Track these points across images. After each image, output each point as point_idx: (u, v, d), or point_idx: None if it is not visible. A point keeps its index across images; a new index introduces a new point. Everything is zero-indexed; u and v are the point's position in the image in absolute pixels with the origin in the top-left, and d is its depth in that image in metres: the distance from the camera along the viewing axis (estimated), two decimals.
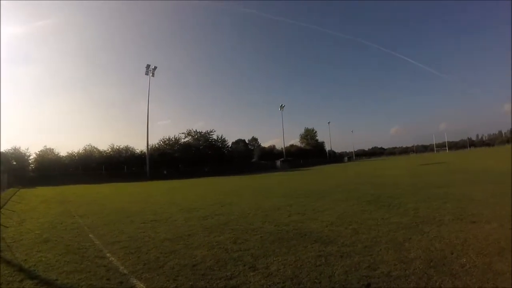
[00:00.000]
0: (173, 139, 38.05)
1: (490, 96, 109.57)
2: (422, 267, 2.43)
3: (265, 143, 63.47)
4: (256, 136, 63.03)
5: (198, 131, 41.16)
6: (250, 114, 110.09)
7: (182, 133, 40.48)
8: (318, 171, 25.40)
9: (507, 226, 3.38)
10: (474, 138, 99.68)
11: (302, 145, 65.92)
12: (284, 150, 52.46)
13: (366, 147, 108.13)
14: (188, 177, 25.55)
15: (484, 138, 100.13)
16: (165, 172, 29.03)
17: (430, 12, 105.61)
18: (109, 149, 32.27)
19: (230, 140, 48.73)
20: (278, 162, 45.77)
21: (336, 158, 72.59)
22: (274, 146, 61.57)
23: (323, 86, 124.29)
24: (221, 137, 43.39)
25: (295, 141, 69.17)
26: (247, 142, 58.57)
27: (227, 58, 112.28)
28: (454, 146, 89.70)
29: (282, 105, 50.85)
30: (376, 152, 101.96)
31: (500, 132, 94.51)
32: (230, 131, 69.48)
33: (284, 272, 2.43)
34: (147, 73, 31.76)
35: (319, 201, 6.52)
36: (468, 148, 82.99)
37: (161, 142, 37.07)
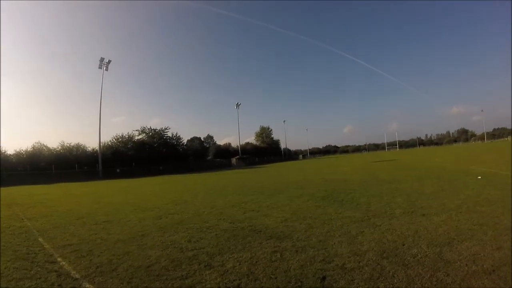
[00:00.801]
0: (127, 136, 70.23)
1: (439, 99, 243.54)
2: (375, 259, 4.52)
3: (220, 141, 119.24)
4: (211, 133, 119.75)
5: (152, 128, 76.52)
6: (206, 112, 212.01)
7: (136, 130, 74.27)
8: (273, 168, 46.55)
9: (456, 218, 6.71)
10: (423, 138, 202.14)
11: (258, 143, 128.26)
12: (239, 148, 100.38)
13: (320, 145, 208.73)
14: (142, 176, 46.63)
15: (432, 138, 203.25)
16: (118, 170, 53.89)
17: (384, 15, 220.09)
18: (59, 147, 57.91)
19: (185, 137, 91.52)
20: (234, 160, 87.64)
21: (291, 156, 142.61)
22: (229, 144, 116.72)
23: (278, 85, 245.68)
24: (176, 135, 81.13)
25: (251, 139, 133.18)
26: (202, 139, 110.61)
27: (184, 55, 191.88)
28: (405, 145, 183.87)
29: (238, 103, 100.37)
30: (330, 150, 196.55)
31: (448, 132, 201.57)
32: (185, 128, 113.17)
33: (240, 269, 4.45)
34: (100, 67, 60.26)
35: (274, 198, 11.81)
36: (418, 147, 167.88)
37: (114, 140, 68.31)
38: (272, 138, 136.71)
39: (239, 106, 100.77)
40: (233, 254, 5.13)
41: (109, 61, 60.92)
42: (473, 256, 4.46)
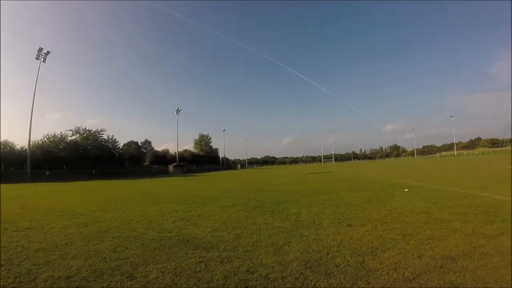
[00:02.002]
0: (59, 136, 70.76)
1: (374, 116, 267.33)
2: (299, 268, 4.69)
3: (158, 147, 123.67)
4: (149, 138, 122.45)
5: (87, 129, 77.68)
6: (145, 116, 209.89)
7: (70, 130, 75.39)
8: (210, 177, 49.12)
9: (380, 228, 7.16)
10: (358, 152, 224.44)
11: (196, 151, 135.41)
12: (177, 155, 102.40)
13: (259, 155, 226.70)
14: (73, 180, 47.37)
15: (366, 152, 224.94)
16: (47, 173, 54.99)
17: (329, 36, 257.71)
18: None
19: (121, 141, 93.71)
20: (171, 167, 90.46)
21: (229, 165, 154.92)
22: (167, 150, 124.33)
23: (220, 93, 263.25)
24: (112, 138, 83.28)
25: (190, 146, 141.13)
26: (139, 144, 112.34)
27: (127, 56, 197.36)
28: (340, 158, 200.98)
29: (178, 109, 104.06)
30: (268, 161, 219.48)
31: (381, 147, 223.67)
32: (123, 131, 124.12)
33: (163, 280, 4.52)
34: (37, 58, 59.26)
35: (206, 207, 12.15)
36: (352, 161, 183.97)
37: (46, 139, 68.61)
38: (211, 146, 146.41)
39: (179, 112, 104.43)
40: (158, 265, 5.16)
41: (48, 52, 59.66)
42: (394, 264, 4.72)
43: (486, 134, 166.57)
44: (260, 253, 5.56)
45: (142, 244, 6.63)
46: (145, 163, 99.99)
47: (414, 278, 4.19)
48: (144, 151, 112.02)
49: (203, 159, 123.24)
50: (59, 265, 5.30)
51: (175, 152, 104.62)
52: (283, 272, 4.60)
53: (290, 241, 6.34)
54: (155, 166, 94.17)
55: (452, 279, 4.11)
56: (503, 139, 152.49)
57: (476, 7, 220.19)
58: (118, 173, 67.79)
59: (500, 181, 16.29)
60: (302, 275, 4.43)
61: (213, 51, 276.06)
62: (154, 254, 5.79)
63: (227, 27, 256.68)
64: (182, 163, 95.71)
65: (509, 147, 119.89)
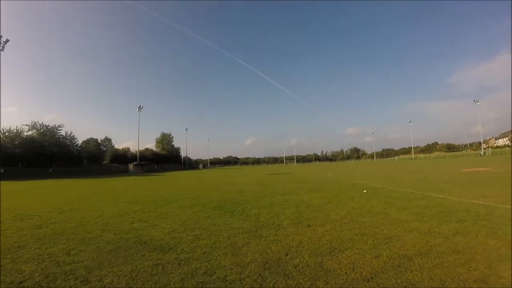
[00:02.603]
0: (15, 131, 67.99)
1: (336, 120, 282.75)
2: (257, 270, 4.68)
3: (119, 145, 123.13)
4: (110, 136, 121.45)
5: (45, 124, 75.87)
6: (106, 112, 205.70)
7: (26, 125, 72.61)
8: (171, 177, 48.92)
9: (339, 229, 7.30)
10: (319, 154, 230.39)
11: (158, 150, 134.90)
12: (138, 154, 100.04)
13: (222, 155, 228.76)
14: (29, 178, 46.46)
15: (328, 154, 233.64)
16: (1, 170, 51.61)
17: (295, 41, 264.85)
18: None
19: (80, 138, 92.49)
20: (131, 166, 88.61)
21: (191, 165, 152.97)
22: (128, 148, 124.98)
23: (184, 92, 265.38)
24: (70, 134, 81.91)
25: (151, 145, 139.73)
26: (99, 142, 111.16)
27: (88, 50, 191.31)
28: (302, 159, 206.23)
29: (140, 106, 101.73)
30: (230, 161, 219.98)
31: (341, 150, 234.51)
32: (82, 128, 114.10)
33: (118, 284, 4.45)
34: None
35: (165, 207, 12.04)
36: (314, 162, 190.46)
37: None
38: (173, 145, 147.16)
39: (142, 109, 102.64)
40: (113, 268, 5.05)
41: (7, 40, 56.63)
42: (352, 264, 4.79)
43: (442, 139, 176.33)
44: (219, 255, 5.56)
45: (98, 246, 6.48)
46: (105, 162, 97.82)
47: (372, 278, 4.25)
48: (104, 149, 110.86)
49: (165, 159, 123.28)
50: (10, 270, 5.17)
51: (136, 151, 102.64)
52: (241, 273, 4.60)
53: (249, 242, 6.36)
54: (114, 165, 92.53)
55: (409, 277, 4.21)
56: (459, 144, 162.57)
57: (435, 22, 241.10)
58: (76, 172, 66.48)
59: (454, 184, 17.09)
60: (260, 277, 4.45)
61: (179, 49, 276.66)
62: (110, 257, 5.66)
63: (194, 25, 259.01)
64: (143, 162, 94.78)
65: (464, 152, 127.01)
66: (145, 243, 6.61)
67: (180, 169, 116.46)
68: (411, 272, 4.39)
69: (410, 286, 3.97)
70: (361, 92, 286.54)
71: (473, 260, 4.84)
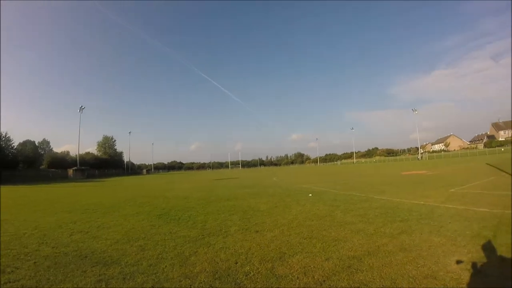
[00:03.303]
0: None
1: (281, 126, 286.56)
2: (207, 280, 4.57)
3: (58, 148, 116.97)
4: (48, 138, 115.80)
5: None
6: (44, 112, 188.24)
7: None
8: (113, 183, 47.53)
9: (287, 233, 7.37)
10: (264, 159, 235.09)
11: (99, 154, 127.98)
12: (78, 158, 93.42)
13: (166, 160, 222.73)
14: None
15: (272, 159, 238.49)
16: None
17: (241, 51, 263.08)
18: None
19: (16, 140, 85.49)
20: (71, 171, 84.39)
21: (134, 170, 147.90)
22: (68, 152, 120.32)
23: (128, 94, 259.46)
24: (5, 135, 76.33)
25: (92, 148, 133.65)
26: (36, 144, 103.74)
27: (26, 44, 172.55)
28: (247, 164, 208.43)
29: (82, 106, 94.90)
30: (175, 166, 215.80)
31: (286, 155, 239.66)
32: (17, 129, 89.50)
33: None
34: None
35: (107, 217, 11.47)
36: (259, 167, 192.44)
37: None
38: (116, 149, 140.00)
39: (83, 110, 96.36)
40: (52, 286, 4.71)
41: None
42: (304, 268, 4.82)
43: (382, 145, 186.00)
44: (166, 266, 5.34)
45: (35, 262, 5.96)
46: (42, 166, 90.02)
47: (324, 281, 4.29)
48: (42, 152, 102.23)
49: (107, 163, 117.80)
50: None
51: (76, 155, 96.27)
52: (190, 285, 4.46)
53: (197, 251, 6.21)
54: (53, 170, 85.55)
55: (361, 278, 4.31)
56: (398, 149, 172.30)
57: (379, 38, 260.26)
58: (11, 178, 60.83)
59: (395, 186, 18.05)
60: (211, 287, 4.37)
61: (126, 50, 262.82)
62: (49, 274, 5.22)
63: (144, 26, 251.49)
64: (83, 167, 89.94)
65: (403, 156, 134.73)
66: (86, 257, 6.20)
67: (122, 174, 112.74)
68: (362, 273, 4.49)
69: (363, 287, 4.06)
70: (306, 100, 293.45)
71: (420, 257, 5.08)
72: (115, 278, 4.87)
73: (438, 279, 4.19)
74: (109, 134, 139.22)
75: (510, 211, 8.32)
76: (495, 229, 6.64)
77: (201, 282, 4.53)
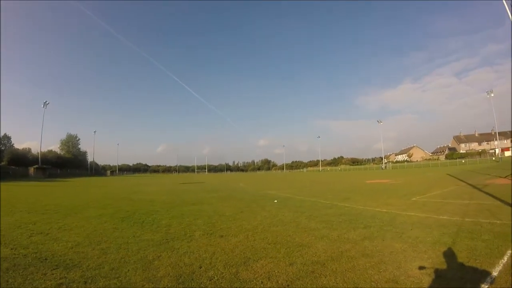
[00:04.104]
0: None
1: (249, 131, 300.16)
2: (171, 285, 4.54)
3: (19, 144, 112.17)
4: (9, 133, 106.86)
5: None
6: (5, 106, 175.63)
7: None
8: (75, 183, 46.24)
9: (252, 238, 7.45)
10: (231, 164, 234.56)
11: (62, 153, 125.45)
12: (40, 156, 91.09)
13: (131, 162, 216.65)
14: None
15: (239, 165, 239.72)
16: None
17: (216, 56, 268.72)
18: None
19: None
20: (32, 170, 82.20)
21: (98, 171, 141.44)
22: (29, 149, 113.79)
23: (93, 91, 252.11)
24: None
25: (55, 147, 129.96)
26: None
27: None
28: (214, 169, 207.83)
29: (46, 102, 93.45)
30: (140, 168, 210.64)
31: (253, 161, 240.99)
32: None
33: None
34: None
35: (68, 218, 11.19)
36: (225, 172, 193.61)
37: None
38: (79, 149, 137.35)
39: (47, 105, 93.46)
40: None
41: None
42: (268, 273, 4.87)
43: (348, 154, 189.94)
44: (128, 270, 5.27)
45: None
46: (3, 163, 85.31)
47: (288, 285, 4.36)
48: (2, 148, 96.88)
49: (70, 163, 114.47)
50: None
51: (38, 152, 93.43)
52: None
53: (160, 255, 6.15)
54: (13, 167, 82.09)
55: (324, 282, 4.41)
56: (363, 158, 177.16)
57: (348, 54, 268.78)
58: None
59: (359, 193, 18.49)
60: None
61: (95, 48, 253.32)
62: (7, 276, 5.07)
63: (113, 23, 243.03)
64: (45, 166, 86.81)
65: (367, 165, 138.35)
66: (46, 259, 6.02)
67: (86, 175, 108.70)
68: (325, 277, 4.59)
69: None
70: (275, 107, 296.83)
71: (382, 262, 5.25)
72: (76, 282, 4.78)
73: (399, 283, 4.34)
74: (73, 132, 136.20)
75: (470, 219, 8.75)
76: (454, 235, 6.96)
77: (165, 287, 4.51)
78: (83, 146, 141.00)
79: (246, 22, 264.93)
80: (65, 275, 5.07)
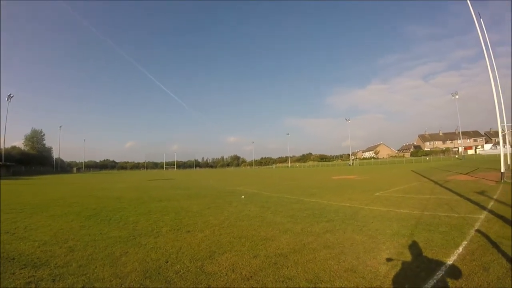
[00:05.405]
0: None
1: (219, 128, 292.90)
2: (138, 279, 4.67)
3: None
4: None
5: None
6: None
7: None
8: (41, 181, 45.47)
9: (218, 233, 7.64)
10: (200, 160, 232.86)
11: (26, 149, 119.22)
12: (3, 153, 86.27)
13: (98, 158, 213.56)
14: None
15: (208, 161, 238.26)
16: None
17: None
18: None
19: None
20: None
21: (64, 168, 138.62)
22: None
23: (60, 85, 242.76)
24: None
25: (19, 142, 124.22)
26: None
27: None
28: (182, 165, 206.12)
29: (10, 94, 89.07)
30: (108, 165, 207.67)
31: (222, 157, 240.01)
32: None
33: None
34: None
35: (34, 217, 11.10)
36: (194, 168, 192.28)
37: None
38: (44, 145, 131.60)
39: (11, 98, 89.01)
40: None
41: None
42: (232, 265, 5.07)
43: (316, 151, 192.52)
44: (96, 267, 5.35)
45: None
46: None
47: (251, 276, 4.56)
48: None
49: (35, 160, 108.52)
50: None
51: (1, 149, 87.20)
52: (121, 284, 4.54)
53: (127, 251, 6.25)
54: None
55: (286, 273, 4.64)
56: (330, 155, 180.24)
57: (320, 53, 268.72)
58: None
59: (325, 189, 19.02)
60: (141, 286, 4.47)
61: (62, 39, 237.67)
62: None
63: (79, 10, 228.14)
64: (8, 163, 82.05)
65: (335, 162, 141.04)
66: (13, 258, 6.01)
67: (51, 172, 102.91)
68: (287, 268, 4.83)
69: (287, 281, 4.38)
70: (246, 104, 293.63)
71: (342, 253, 5.56)
72: (44, 280, 4.83)
73: (358, 272, 4.63)
74: (38, 127, 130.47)
75: (428, 213, 9.29)
76: (413, 228, 7.39)
77: (132, 281, 4.61)
78: (48, 142, 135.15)
79: (218, 22, 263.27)
80: (34, 274, 5.10)
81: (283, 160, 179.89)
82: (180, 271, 4.95)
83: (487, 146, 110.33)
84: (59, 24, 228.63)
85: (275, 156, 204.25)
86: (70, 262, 5.64)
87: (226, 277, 4.58)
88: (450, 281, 4.23)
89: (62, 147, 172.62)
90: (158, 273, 4.90)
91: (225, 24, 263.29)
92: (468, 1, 19.47)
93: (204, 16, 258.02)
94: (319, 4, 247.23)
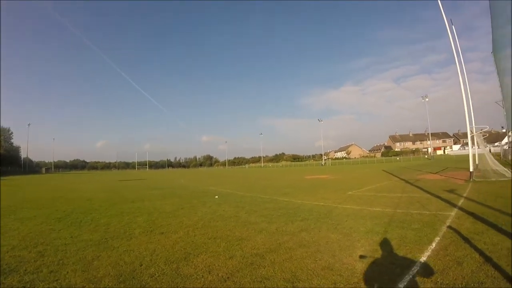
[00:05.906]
0: None
1: (192, 128, 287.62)
2: (111, 284, 4.55)
3: None
4: None
5: None
6: None
7: None
8: (8, 182, 43.48)
9: (192, 234, 7.55)
10: (172, 160, 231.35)
11: None
12: None
13: (68, 158, 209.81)
14: None
15: (181, 161, 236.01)
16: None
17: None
18: None
19: None
20: None
21: (32, 168, 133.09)
22: None
23: (29, 81, 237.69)
24: None
25: None
26: None
27: None
28: (155, 165, 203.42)
29: None
30: (78, 165, 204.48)
31: (195, 157, 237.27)
32: None
33: None
34: None
35: (2, 220, 10.59)
36: (167, 168, 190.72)
37: None
38: (12, 143, 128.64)
39: None
40: None
41: None
42: (208, 267, 5.01)
43: (289, 151, 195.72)
44: (68, 272, 5.16)
45: None
46: None
47: (228, 278, 4.52)
48: None
49: (1, 160, 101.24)
50: None
51: None
52: None
53: (100, 255, 6.08)
54: None
55: (263, 273, 4.63)
56: (303, 155, 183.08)
57: (295, 55, 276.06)
58: None
59: (298, 189, 19.17)
60: None
61: (26, 32, 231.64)
62: None
63: (60, 10, 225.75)
64: None
65: (308, 162, 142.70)
66: None
67: (18, 172, 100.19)
68: (264, 268, 4.82)
69: (264, 281, 4.36)
70: (219, 103, 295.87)
71: (318, 252, 5.61)
72: (14, 287, 4.66)
73: (334, 270, 4.67)
74: (5, 125, 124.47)
75: (401, 211, 9.49)
76: (386, 225, 7.54)
77: (106, 286, 4.50)
78: (15, 141, 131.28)
79: (197, 24, 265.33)
80: (2, 281, 4.88)
81: (256, 160, 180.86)
82: (155, 274, 4.85)
83: (456, 147, 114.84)
84: (29, 18, 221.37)
85: (248, 156, 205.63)
86: (41, 268, 5.45)
87: (202, 279, 4.52)
88: (424, 278, 4.31)
89: (30, 146, 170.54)
90: (133, 277, 4.77)
91: (193, 24, 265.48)
92: (441, 9, 20.10)
93: (171, 15, 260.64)
94: (293, 4, 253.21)
